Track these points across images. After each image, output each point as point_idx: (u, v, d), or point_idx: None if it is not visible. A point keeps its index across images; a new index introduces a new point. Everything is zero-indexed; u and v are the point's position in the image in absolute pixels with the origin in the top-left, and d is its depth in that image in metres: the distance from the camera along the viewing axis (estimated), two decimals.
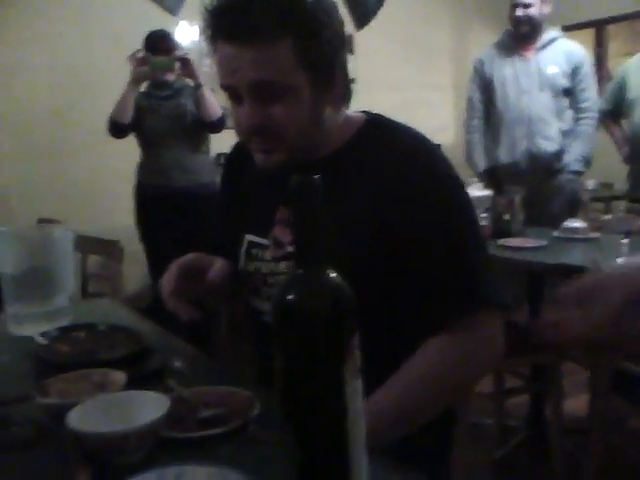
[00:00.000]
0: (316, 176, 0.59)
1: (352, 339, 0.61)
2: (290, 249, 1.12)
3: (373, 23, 5.02)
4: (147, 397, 0.88)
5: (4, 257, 1.40)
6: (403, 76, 5.02)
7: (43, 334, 1.26)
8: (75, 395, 0.92)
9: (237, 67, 1.00)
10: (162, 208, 3.38)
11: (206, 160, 3.51)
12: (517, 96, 3.39)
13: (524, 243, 2.44)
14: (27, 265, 1.38)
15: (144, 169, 3.47)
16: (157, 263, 3.37)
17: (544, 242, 2.42)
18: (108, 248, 3.01)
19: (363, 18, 4.99)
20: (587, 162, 3.37)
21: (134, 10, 4.24)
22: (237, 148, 1.30)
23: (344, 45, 1.07)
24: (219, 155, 4.62)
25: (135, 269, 3.50)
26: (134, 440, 0.78)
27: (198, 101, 3.28)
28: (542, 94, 3.35)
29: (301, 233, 0.60)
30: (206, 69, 4.63)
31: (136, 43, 3.33)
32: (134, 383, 0.97)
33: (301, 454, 0.64)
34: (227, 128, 3.43)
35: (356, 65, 4.85)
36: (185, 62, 3.27)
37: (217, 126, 3.35)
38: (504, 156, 3.46)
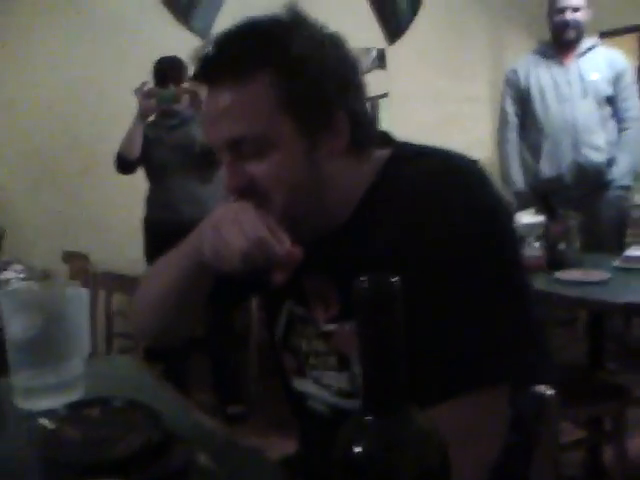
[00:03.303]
0: (394, 279, 0.40)
1: None
2: (325, 327, 0.94)
3: (406, 37, 4.85)
4: None
5: (9, 321, 1.23)
6: (438, 89, 4.82)
7: (50, 414, 1.09)
8: None
9: (212, 120, 0.91)
10: (172, 243, 3.20)
11: (216, 190, 3.32)
12: (559, 105, 3.21)
13: (585, 276, 2.17)
14: (35, 331, 1.21)
15: (152, 203, 3.32)
16: None
17: (607, 275, 2.16)
18: (132, 285, 2.87)
19: (395, 32, 4.82)
20: (636, 175, 3.20)
21: (161, 33, 4.11)
22: None
23: (349, 82, 0.89)
24: None
25: None
26: None
27: None
28: (585, 101, 3.17)
29: (372, 362, 0.41)
30: None
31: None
32: None
33: None
34: None
35: (389, 79, 4.71)
36: (194, 95, 3.11)
37: None
38: (547, 169, 3.26)
